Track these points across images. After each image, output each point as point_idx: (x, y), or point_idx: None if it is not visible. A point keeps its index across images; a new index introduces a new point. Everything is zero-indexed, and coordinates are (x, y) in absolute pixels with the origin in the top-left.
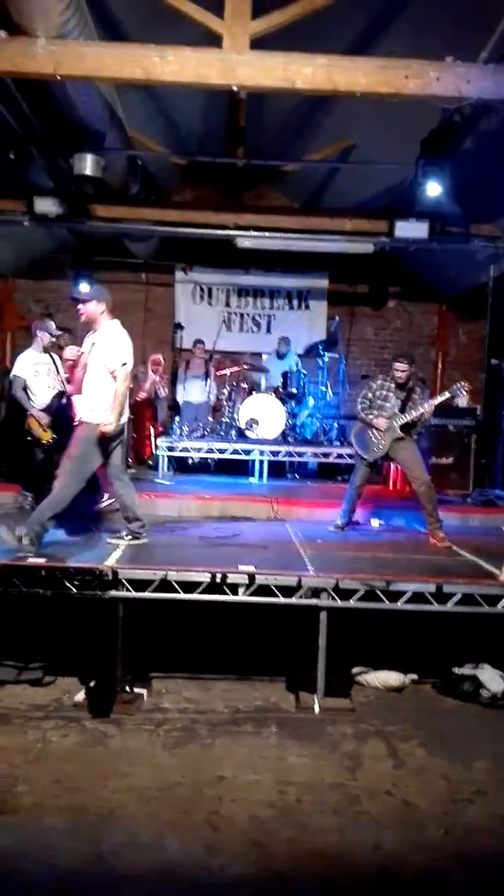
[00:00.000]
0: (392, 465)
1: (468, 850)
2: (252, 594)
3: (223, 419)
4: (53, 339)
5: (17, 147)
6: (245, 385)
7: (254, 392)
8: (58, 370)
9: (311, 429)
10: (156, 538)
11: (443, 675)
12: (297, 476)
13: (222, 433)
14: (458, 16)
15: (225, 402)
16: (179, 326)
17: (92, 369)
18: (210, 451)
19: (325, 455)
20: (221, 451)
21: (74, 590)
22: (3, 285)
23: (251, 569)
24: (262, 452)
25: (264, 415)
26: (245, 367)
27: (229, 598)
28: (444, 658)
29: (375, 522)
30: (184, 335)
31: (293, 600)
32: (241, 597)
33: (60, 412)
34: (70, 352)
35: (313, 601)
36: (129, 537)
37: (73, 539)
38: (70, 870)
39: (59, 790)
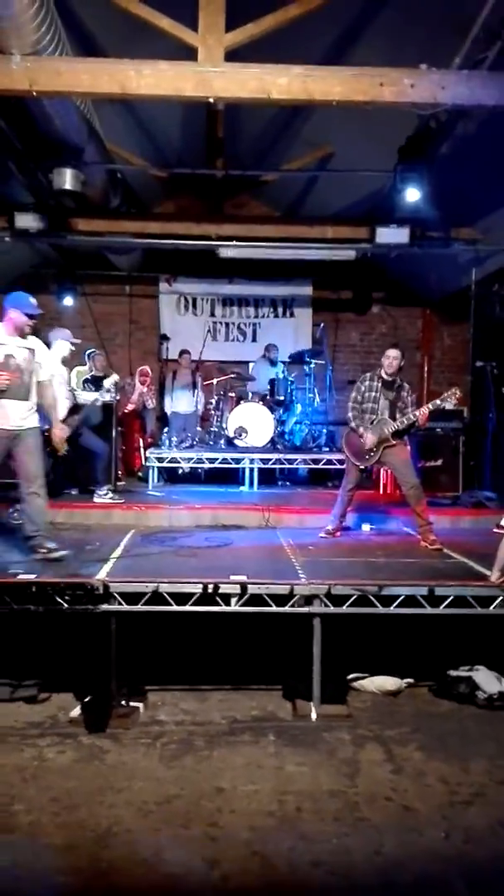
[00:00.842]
0: (382, 470)
1: (468, 853)
2: (244, 604)
3: (212, 428)
4: (73, 349)
5: None
6: (233, 394)
7: (241, 401)
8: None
9: (300, 435)
10: (147, 549)
11: (438, 678)
12: (288, 483)
13: (211, 442)
14: (431, 23)
15: (213, 412)
16: (165, 337)
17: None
18: (199, 460)
19: (315, 461)
20: (211, 461)
21: (66, 605)
22: None
23: (243, 578)
24: (251, 461)
25: (253, 423)
26: (232, 375)
27: (222, 608)
28: (439, 661)
29: (366, 527)
30: (170, 346)
31: (286, 609)
32: (234, 607)
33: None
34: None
35: (306, 609)
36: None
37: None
38: (69, 888)
39: (57, 808)
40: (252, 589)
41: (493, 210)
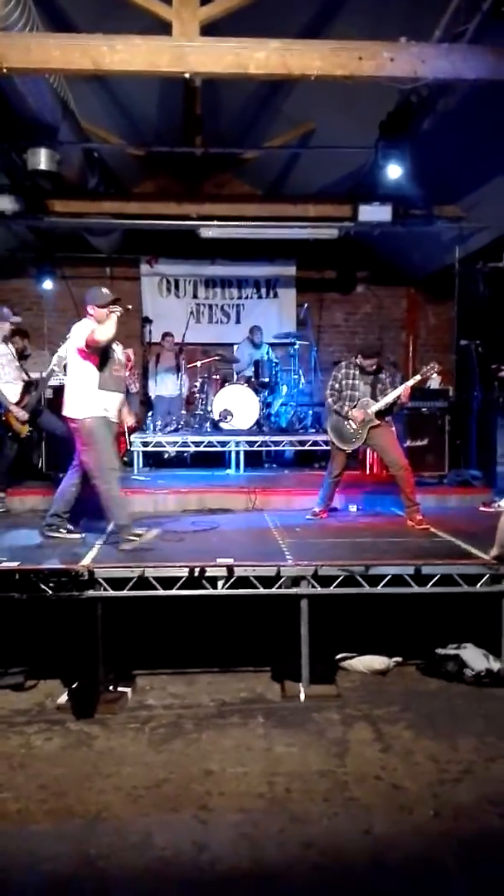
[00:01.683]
0: (369, 451)
1: (458, 830)
2: (231, 587)
3: (197, 412)
4: (12, 326)
5: None
6: (217, 376)
7: (226, 383)
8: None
9: (286, 417)
10: None
11: (426, 656)
12: (274, 465)
13: (196, 426)
14: None
15: (198, 395)
16: (147, 320)
17: None
18: (185, 444)
19: (301, 443)
20: (197, 444)
21: (50, 592)
22: None
23: (229, 561)
24: (237, 443)
25: (238, 405)
26: (217, 357)
27: (208, 591)
28: (427, 639)
29: (353, 508)
30: (152, 329)
31: (273, 590)
32: (221, 590)
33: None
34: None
35: (293, 590)
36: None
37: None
38: (58, 875)
39: (45, 795)
40: (239, 571)
41: (476, 187)
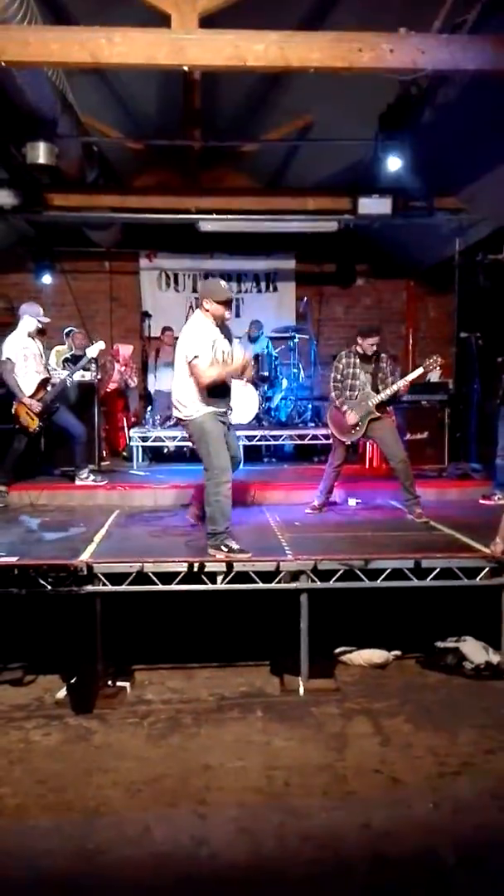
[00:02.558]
0: (369, 444)
1: (457, 824)
2: (230, 581)
3: None
4: (40, 326)
5: None
6: None
7: None
8: (43, 357)
9: (286, 411)
10: (131, 530)
11: (426, 649)
12: (274, 459)
13: None
14: None
15: None
16: (147, 315)
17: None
18: (184, 439)
19: (301, 437)
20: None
21: (49, 587)
22: None
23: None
24: (237, 437)
25: (237, 400)
26: None
27: (208, 587)
28: (426, 633)
29: (353, 501)
30: (152, 323)
31: (272, 585)
32: (220, 585)
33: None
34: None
35: (293, 584)
36: None
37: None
38: (57, 870)
39: (44, 790)
40: (238, 566)
41: (476, 178)
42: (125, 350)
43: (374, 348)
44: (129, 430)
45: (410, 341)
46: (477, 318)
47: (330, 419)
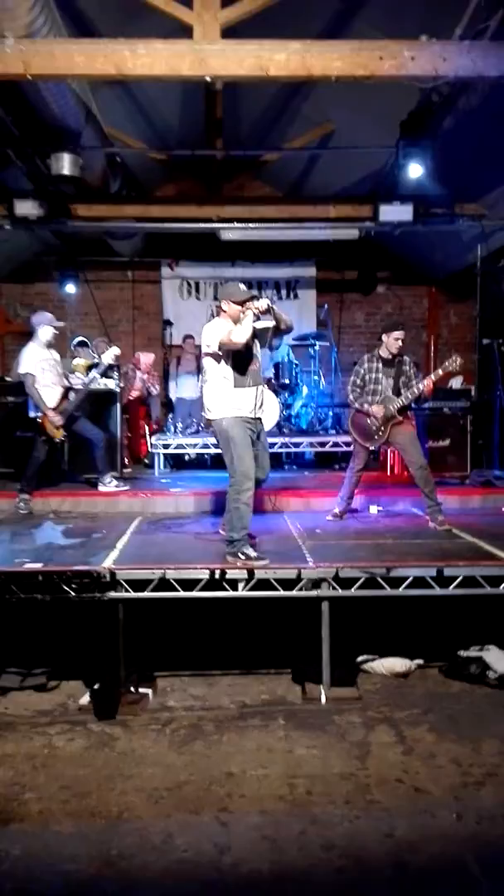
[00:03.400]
0: (390, 451)
1: (481, 834)
2: (252, 589)
3: None
4: (56, 332)
5: None
6: None
7: None
8: (60, 364)
9: (306, 418)
10: (153, 536)
11: (449, 658)
12: (294, 466)
13: None
14: None
15: None
16: (168, 323)
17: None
18: (206, 446)
19: (322, 444)
20: (217, 446)
21: (73, 593)
22: None
23: (250, 563)
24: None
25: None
26: None
27: (229, 594)
28: (449, 641)
29: (374, 509)
30: (173, 331)
31: (294, 593)
32: (241, 592)
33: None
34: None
35: (314, 592)
36: None
37: (71, 541)
38: (80, 876)
39: (67, 795)
40: (259, 573)
41: (498, 184)
42: (146, 358)
43: (399, 344)
44: (150, 437)
45: (432, 348)
46: (499, 324)
47: (351, 424)
